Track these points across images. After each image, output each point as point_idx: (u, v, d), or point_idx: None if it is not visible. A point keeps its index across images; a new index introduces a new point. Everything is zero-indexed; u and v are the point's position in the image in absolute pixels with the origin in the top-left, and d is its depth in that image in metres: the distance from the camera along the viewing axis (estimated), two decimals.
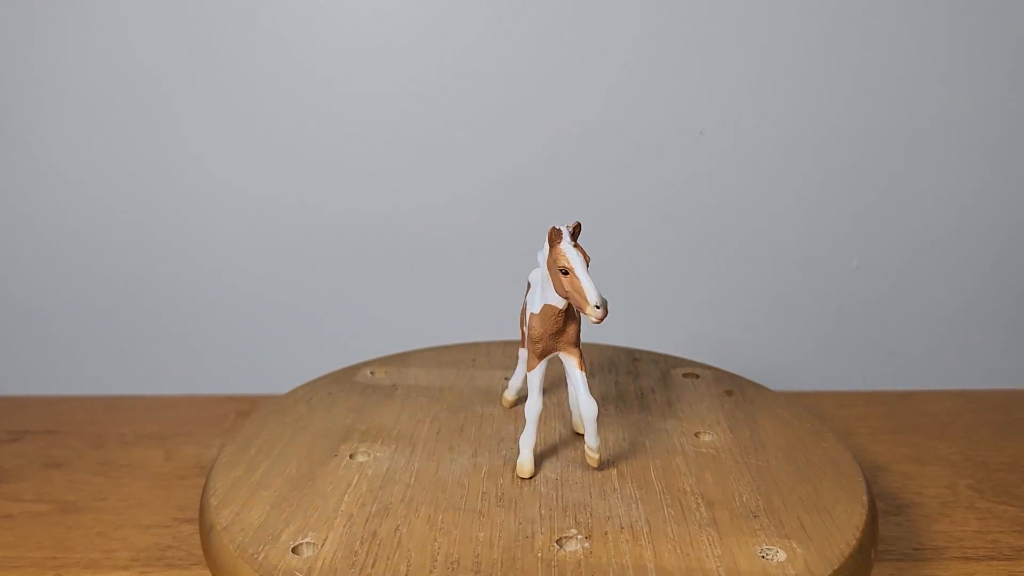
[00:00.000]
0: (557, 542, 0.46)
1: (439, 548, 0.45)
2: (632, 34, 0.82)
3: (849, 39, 0.82)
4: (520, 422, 0.59)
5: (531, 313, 0.49)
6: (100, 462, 0.73)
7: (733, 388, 0.65)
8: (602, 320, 0.44)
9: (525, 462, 0.52)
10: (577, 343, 0.50)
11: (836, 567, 0.44)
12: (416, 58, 0.82)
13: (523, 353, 0.59)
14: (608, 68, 0.83)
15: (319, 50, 0.82)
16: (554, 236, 0.46)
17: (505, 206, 0.86)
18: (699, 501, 0.50)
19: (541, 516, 0.48)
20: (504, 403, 0.61)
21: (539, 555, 0.45)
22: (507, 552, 0.45)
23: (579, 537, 0.46)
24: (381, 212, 0.86)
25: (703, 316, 0.90)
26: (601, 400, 0.62)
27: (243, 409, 0.83)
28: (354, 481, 0.51)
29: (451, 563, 0.44)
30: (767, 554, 0.45)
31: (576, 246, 0.46)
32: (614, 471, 0.53)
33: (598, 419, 0.50)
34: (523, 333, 0.56)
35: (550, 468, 0.53)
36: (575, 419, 0.57)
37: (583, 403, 0.49)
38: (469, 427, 0.58)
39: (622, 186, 0.86)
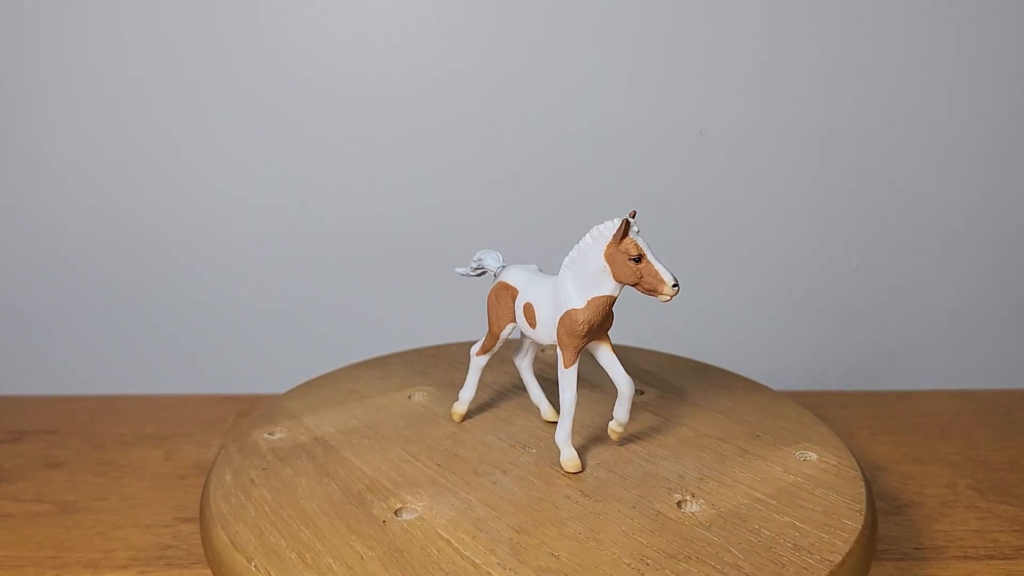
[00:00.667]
0: (678, 505, 0.49)
1: (603, 554, 0.45)
2: (632, 34, 0.82)
3: (850, 39, 0.82)
4: (494, 431, 0.58)
5: (572, 309, 0.50)
6: (100, 462, 0.73)
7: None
8: (672, 298, 0.48)
9: (574, 458, 0.53)
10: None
11: (855, 537, 0.46)
12: (416, 59, 0.82)
13: (479, 361, 0.58)
14: (608, 68, 0.83)
15: (319, 50, 0.82)
16: (625, 227, 0.48)
17: (505, 206, 0.86)
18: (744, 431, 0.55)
19: (638, 495, 0.50)
20: (455, 417, 0.59)
21: (683, 522, 0.47)
22: (656, 533, 0.46)
23: (688, 498, 0.49)
24: (381, 213, 0.86)
25: (703, 316, 0.90)
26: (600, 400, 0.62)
27: (243, 409, 0.83)
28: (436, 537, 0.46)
29: (640, 559, 0.44)
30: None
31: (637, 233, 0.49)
32: (633, 445, 0.56)
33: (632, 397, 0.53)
34: (494, 338, 0.56)
35: (587, 456, 0.54)
36: (545, 410, 0.59)
37: (623, 382, 0.51)
38: (458, 450, 0.56)
39: (622, 186, 0.86)
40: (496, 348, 0.57)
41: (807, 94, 0.84)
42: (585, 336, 0.50)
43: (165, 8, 0.80)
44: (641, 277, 0.48)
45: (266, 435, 0.58)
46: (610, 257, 0.49)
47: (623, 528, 0.47)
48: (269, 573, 0.44)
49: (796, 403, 0.63)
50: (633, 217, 0.49)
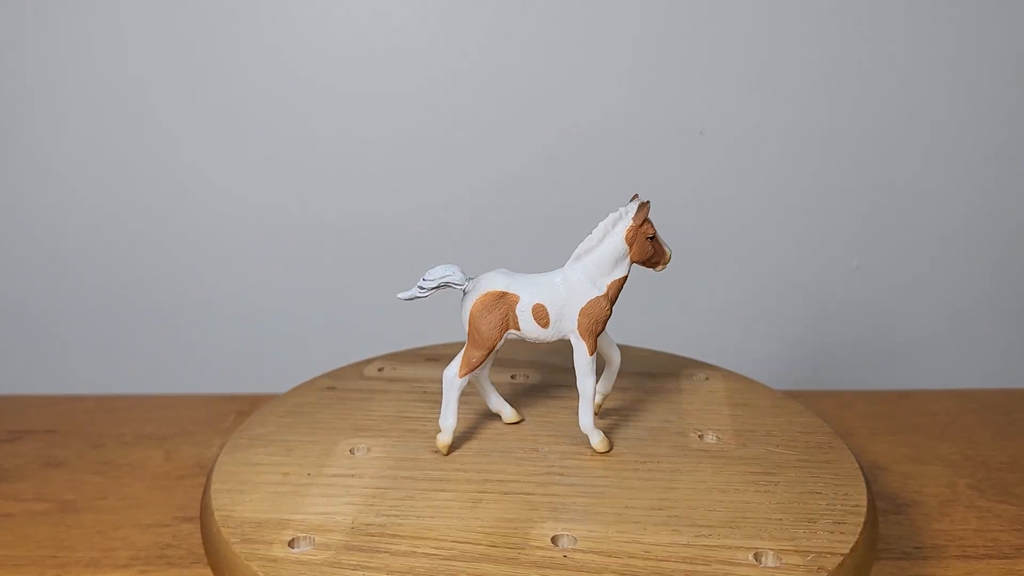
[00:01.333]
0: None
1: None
2: (632, 34, 0.82)
3: (850, 39, 0.82)
4: (497, 441, 0.57)
5: (596, 297, 0.53)
6: (100, 462, 0.73)
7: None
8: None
9: (603, 439, 0.55)
10: None
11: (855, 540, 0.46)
12: (416, 59, 0.82)
13: (459, 383, 0.53)
14: (608, 68, 0.83)
15: (319, 50, 0.82)
16: (645, 208, 0.53)
17: (505, 206, 0.86)
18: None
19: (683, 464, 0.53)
20: (442, 449, 0.54)
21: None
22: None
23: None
24: (381, 213, 0.86)
25: (703, 316, 0.90)
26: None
27: (243, 409, 0.83)
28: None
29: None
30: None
31: None
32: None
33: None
34: (488, 351, 0.53)
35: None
36: (508, 413, 0.59)
37: (614, 356, 0.57)
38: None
39: (622, 186, 0.86)
40: (484, 365, 0.55)
41: (807, 94, 0.84)
42: (608, 319, 0.53)
43: (165, 8, 0.80)
44: (653, 253, 0.53)
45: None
46: (631, 239, 0.53)
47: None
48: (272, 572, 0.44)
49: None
50: (637, 199, 0.54)
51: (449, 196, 0.86)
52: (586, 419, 0.54)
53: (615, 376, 0.57)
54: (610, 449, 0.55)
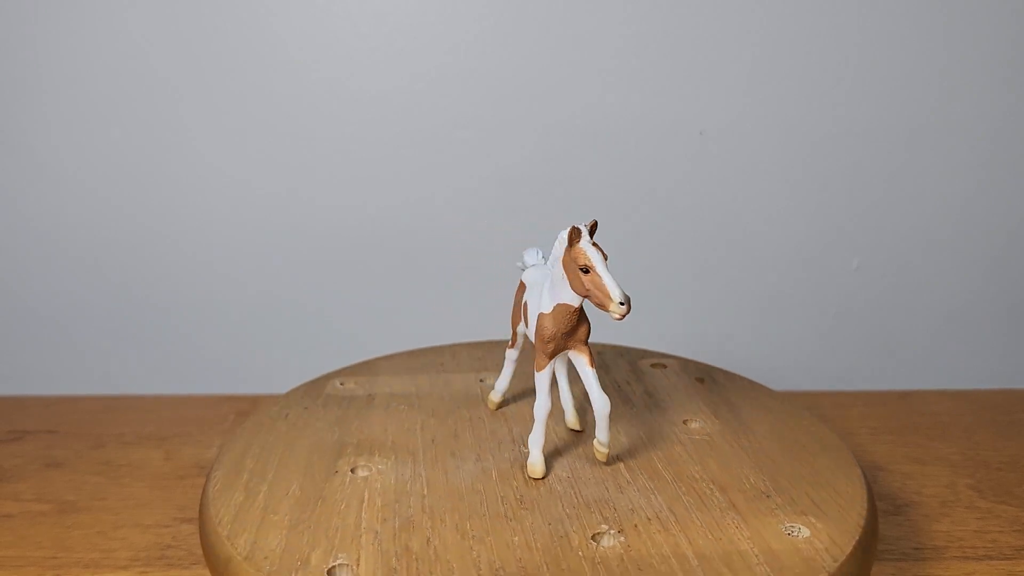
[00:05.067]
0: (592, 539, 0.46)
1: (479, 556, 0.44)
2: (632, 34, 0.82)
3: (849, 39, 0.82)
4: (511, 423, 0.58)
5: (541, 313, 0.49)
6: (100, 462, 0.73)
7: (703, 376, 0.65)
8: (624, 317, 0.44)
9: (537, 463, 0.51)
10: (587, 340, 0.50)
11: (857, 537, 0.46)
12: (416, 57, 0.82)
13: (511, 354, 0.59)
14: (608, 68, 0.83)
15: (319, 50, 0.82)
16: (574, 235, 0.46)
17: (505, 206, 0.86)
18: (711, 487, 0.51)
19: (567, 515, 0.48)
20: (490, 405, 0.61)
21: (580, 553, 0.45)
22: (548, 554, 0.45)
23: (612, 532, 0.46)
24: (380, 212, 0.86)
25: (703, 316, 0.90)
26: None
27: (243, 409, 0.83)
28: (365, 496, 0.50)
29: (496, 570, 0.43)
30: (792, 531, 0.47)
31: (594, 244, 0.46)
32: (621, 465, 0.53)
33: (609, 415, 0.50)
34: (515, 334, 0.57)
35: (559, 466, 0.53)
36: (569, 417, 0.58)
37: (596, 399, 0.49)
38: (463, 432, 0.58)
39: (621, 186, 0.86)
40: (520, 343, 0.57)
41: (807, 94, 0.84)
42: (550, 342, 0.49)
43: (166, 9, 0.80)
44: (588, 290, 0.46)
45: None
46: (566, 265, 0.47)
47: (517, 539, 0.46)
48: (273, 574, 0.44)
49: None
50: (592, 227, 0.47)
51: (449, 196, 0.86)
52: (532, 436, 0.52)
53: (605, 423, 0.50)
54: (541, 477, 0.51)
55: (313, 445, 0.56)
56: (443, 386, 0.65)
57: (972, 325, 0.92)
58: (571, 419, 0.58)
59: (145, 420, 0.81)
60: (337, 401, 0.62)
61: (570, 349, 0.50)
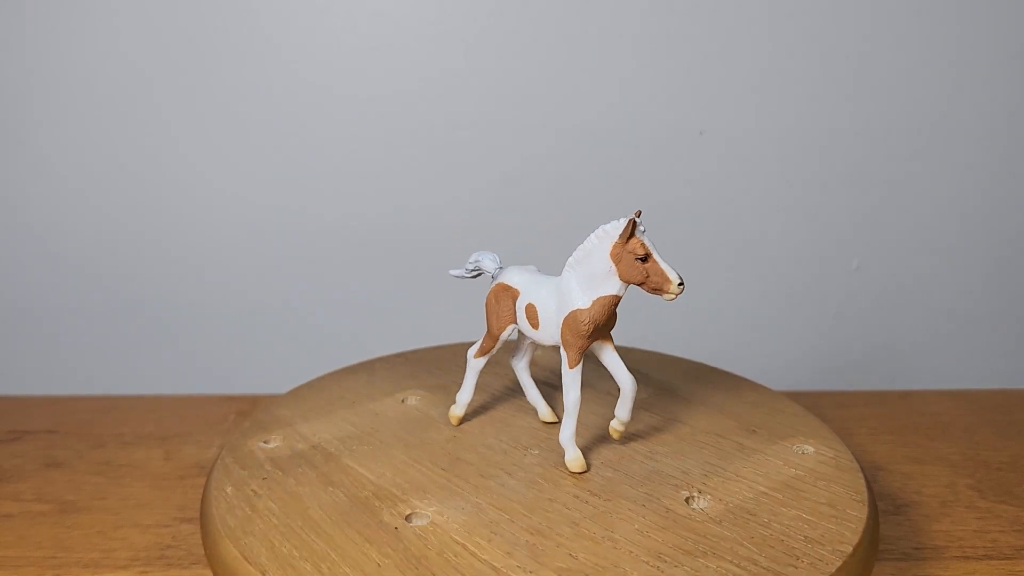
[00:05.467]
0: (686, 502, 0.49)
1: (636, 549, 0.45)
2: (632, 34, 0.82)
3: (849, 39, 0.82)
4: (496, 433, 0.58)
5: (577, 310, 0.50)
6: (100, 462, 0.73)
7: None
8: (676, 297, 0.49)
9: (578, 458, 0.53)
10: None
11: (857, 537, 0.46)
12: (416, 59, 0.82)
13: (477, 363, 0.57)
14: (608, 68, 0.83)
15: (319, 50, 0.82)
16: (632, 227, 0.48)
17: (505, 206, 0.86)
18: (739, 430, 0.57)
19: (646, 493, 0.50)
20: (453, 421, 0.58)
21: (696, 519, 0.47)
22: (675, 527, 0.47)
23: (694, 494, 0.50)
24: (380, 213, 0.86)
25: (703, 316, 0.90)
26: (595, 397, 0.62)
27: (243, 409, 0.83)
28: (448, 539, 0.46)
29: (660, 555, 0.44)
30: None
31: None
32: (634, 444, 0.56)
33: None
34: (494, 341, 0.56)
35: (591, 455, 0.54)
36: (543, 411, 0.59)
37: (626, 379, 0.52)
38: (463, 456, 0.55)
39: (622, 186, 0.86)
40: (495, 350, 0.57)
41: (807, 94, 0.84)
42: (590, 336, 0.50)
43: (165, 8, 0.80)
44: (648, 276, 0.48)
45: (261, 444, 0.57)
46: (616, 257, 0.49)
47: (636, 526, 0.47)
48: None
49: (792, 401, 0.63)
50: (639, 216, 0.49)
51: (449, 196, 0.86)
52: (564, 433, 0.53)
53: (630, 403, 0.52)
54: (585, 471, 0.52)
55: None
56: (374, 418, 0.60)
57: (972, 325, 0.92)
58: (546, 413, 0.59)
59: (145, 420, 0.81)
60: (288, 462, 0.55)
61: (597, 339, 0.52)
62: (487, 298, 0.56)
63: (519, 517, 0.48)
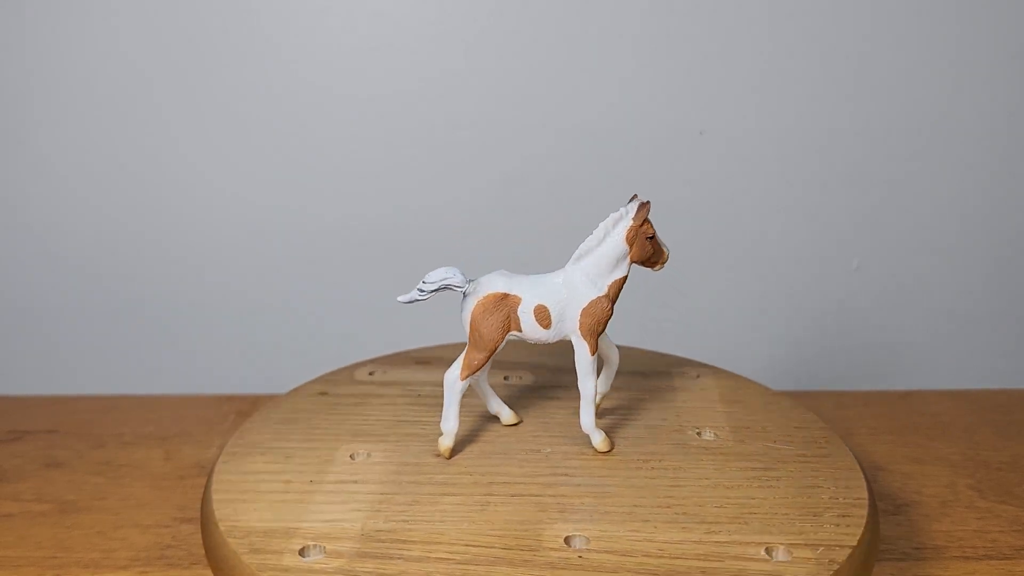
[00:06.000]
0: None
1: (722, 505, 0.49)
2: (632, 34, 0.82)
3: (849, 39, 0.82)
4: (503, 448, 0.57)
5: (597, 298, 0.53)
6: (100, 462, 0.73)
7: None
8: None
9: (605, 438, 0.55)
10: None
11: (857, 537, 0.47)
12: (415, 59, 0.82)
13: (462, 385, 0.53)
14: (608, 68, 0.83)
15: (318, 51, 0.82)
16: (646, 208, 0.53)
17: (505, 206, 0.86)
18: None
19: (683, 464, 0.54)
20: (445, 453, 0.54)
21: None
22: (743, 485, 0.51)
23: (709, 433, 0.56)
24: (380, 212, 0.86)
25: (703, 316, 0.90)
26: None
27: (243, 409, 0.83)
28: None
29: (746, 513, 0.48)
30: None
31: None
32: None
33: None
34: (491, 353, 0.53)
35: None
36: (506, 415, 0.59)
37: (613, 352, 0.57)
38: (497, 475, 0.53)
39: (622, 186, 0.86)
40: (485, 367, 0.54)
41: (807, 94, 0.84)
42: (609, 319, 0.53)
43: (165, 8, 0.80)
44: (652, 253, 0.54)
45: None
46: (631, 239, 0.53)
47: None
48: None
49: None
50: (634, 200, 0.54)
51: (449, 196, 0.86)
52: (588, 419, 0.54)
53: (614, 374, 0.58)
54: (611, 448, 0.55)
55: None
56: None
57: (972, 325, 0.92)
58: (508, 417, 0.59)
59: (145, 420, 0.81)
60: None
61: None
62: (473, 312, 0.52)
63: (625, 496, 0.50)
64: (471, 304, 0.53)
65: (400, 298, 0.53)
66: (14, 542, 0.62)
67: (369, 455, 0.55)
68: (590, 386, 0.54)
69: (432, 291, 0.53)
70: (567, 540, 0.46)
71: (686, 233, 0.88)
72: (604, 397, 0.59)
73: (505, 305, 0.53)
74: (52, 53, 0.81)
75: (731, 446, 0.56)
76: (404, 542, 0.46)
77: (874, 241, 0.88)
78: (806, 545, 0.45)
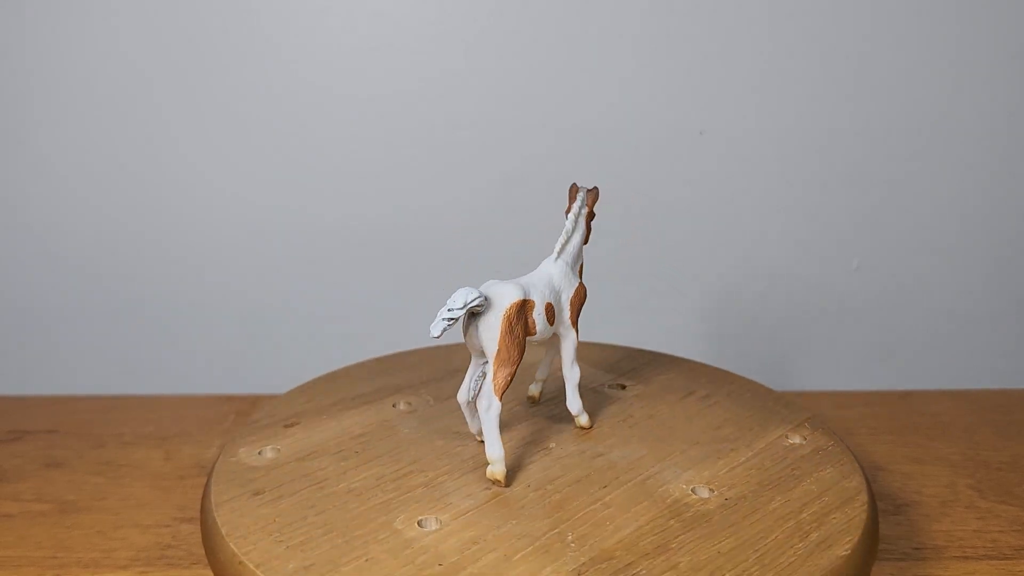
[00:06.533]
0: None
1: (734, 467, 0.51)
2: (632, 34, 0.82)
3: (849, 39, 0.82)
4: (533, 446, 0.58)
5: (579, 284, 0.56)
6: (100, 462, 0.73)
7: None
8: None
9: (587, 417, 0.58)
10: None
11: (857, 537, 0.47)
12: (415, 59, 0.82)
13: (499, 404, 0.50)
14: (608, 68, 0.83)
15: (318, 51, 0.82)
16: (595, 193, 0.58)
17: (505, 206, 0.86)
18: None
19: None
20: (499, 480, 0.51)
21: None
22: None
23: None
24: (380, 213, 0.86)
25: (703, 316, 0.90)
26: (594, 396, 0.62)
27: (243, 409, 0.83)
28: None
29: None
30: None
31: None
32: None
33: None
34: (517, 364, 0.50)
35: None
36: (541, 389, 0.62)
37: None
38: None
39: (622, 186, 0.86)
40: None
41: (807, 94, 0.84)
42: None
43: (165, 8, 0.80)
44: (588, 233, 0.58)
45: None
46: (588, 223, 0.58)
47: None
48: None
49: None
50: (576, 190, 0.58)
51: (449, 196, 0.86)
52: (575, 403, 0.58)
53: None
54: (592, 425, 0.58)
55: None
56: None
57: (972, 325, 0.92)
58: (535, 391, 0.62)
59: (145, 420, 0.81)
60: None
61: None
62: (501, 326, 0.49)
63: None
64: (495, 321, 0.49)
65: (433, 332, 0.47)
66: (14, 542, 0.62)
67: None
68: (576, 371, 0.57)
69: (461, 316, 0.48)
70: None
71: (686, 233, 0.88)
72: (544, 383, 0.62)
73: (525, 312, 0.51)
74: (52, 53, 0.81)
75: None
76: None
77: (874, 241, 0.88)
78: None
